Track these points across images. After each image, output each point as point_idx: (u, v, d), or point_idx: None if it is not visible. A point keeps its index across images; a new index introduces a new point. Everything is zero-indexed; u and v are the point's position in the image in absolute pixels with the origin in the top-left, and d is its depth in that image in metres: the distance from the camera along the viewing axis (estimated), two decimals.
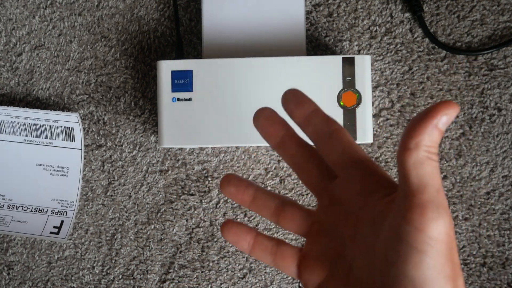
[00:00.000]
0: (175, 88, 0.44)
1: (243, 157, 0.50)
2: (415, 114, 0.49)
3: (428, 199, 0.21)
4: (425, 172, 0.21)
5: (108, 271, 0.51)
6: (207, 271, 0.50)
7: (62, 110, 0.51)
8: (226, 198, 0.50)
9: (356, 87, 0.44)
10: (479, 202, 0.49)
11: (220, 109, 0.44)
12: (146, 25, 0.51)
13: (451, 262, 0.21)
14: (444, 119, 0.21)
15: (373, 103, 0.49)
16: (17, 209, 0.50)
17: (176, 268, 0.50)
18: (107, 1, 0.51)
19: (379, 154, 0.49)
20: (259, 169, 0.50)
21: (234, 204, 0.50)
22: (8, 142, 0.50)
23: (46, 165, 0.50)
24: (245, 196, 0.30)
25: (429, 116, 0.21)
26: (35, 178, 0.50)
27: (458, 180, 0.49)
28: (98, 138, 0.51)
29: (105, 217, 0.51)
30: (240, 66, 0.44)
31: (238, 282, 0.50)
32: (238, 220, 0.50)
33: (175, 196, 0.50)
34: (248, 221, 0.50)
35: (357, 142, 0.44)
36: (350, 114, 0.44)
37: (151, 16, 0.51)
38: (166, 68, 0.45)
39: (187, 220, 0.50)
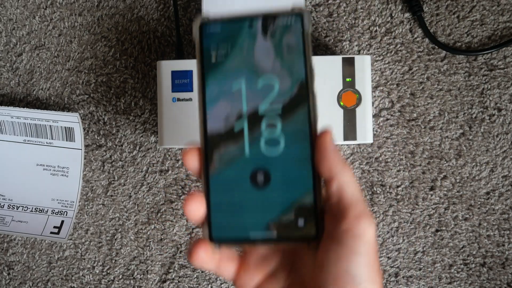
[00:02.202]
0: (175, 88, 0.44)
1: None
2: (414, 115, 0.49)
3: (361, 210, 0.26)
4: (352, 189, 0.26)
5: (108, 271, 0.51)
6: (207, 271, 0.50)
7: (62, 110, 0.51)
8: None
9: (356, 87, 0.44)
10: (479, 202, 0.49)
11: None
12: (146, 25, 0.51)
13: (377, 259, 0.26)
14: (332, 142, 0.26)
15: (373, 103, 0.49)
16: (17, 209, 0.50)
17: (176, 268, 0.50)
18: (107, 1, 0.51)
19: (379, 154, 0.49)
20: None
21: None
22: (8, 142, 0.50)
23: (46, 165, 0.50)
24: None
25: (323, 146, 0.26)
26: (35, 178, 0.50)
27: (458, 180, 0.49)
28: (98, 138, 0.51)
29: (105, 217, 0.51)
30: None
31: None
32: None
33: (175, 196, 0.50)
34: None
35: (357, 142, 0.44)
36: (350, 114, 0.44)
37: (151, 16, 0.51)
38: (166, 68, 0.45)
39: (187, 220, 0.50)
